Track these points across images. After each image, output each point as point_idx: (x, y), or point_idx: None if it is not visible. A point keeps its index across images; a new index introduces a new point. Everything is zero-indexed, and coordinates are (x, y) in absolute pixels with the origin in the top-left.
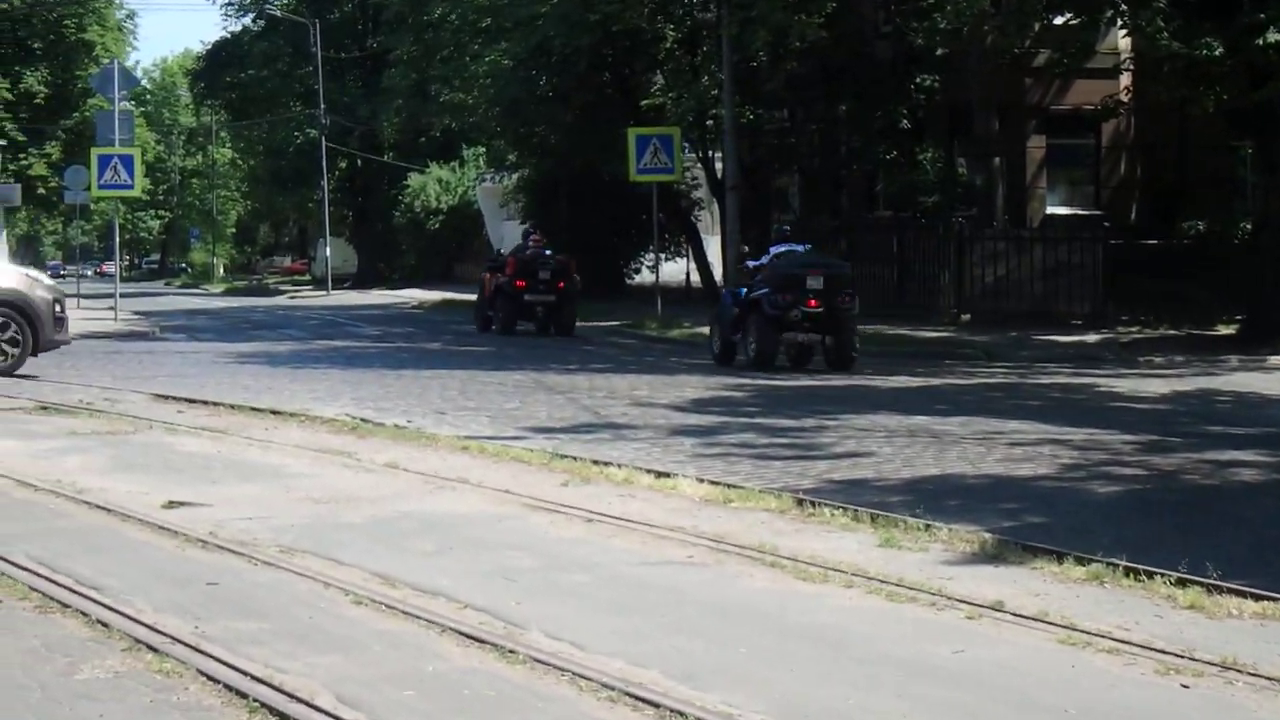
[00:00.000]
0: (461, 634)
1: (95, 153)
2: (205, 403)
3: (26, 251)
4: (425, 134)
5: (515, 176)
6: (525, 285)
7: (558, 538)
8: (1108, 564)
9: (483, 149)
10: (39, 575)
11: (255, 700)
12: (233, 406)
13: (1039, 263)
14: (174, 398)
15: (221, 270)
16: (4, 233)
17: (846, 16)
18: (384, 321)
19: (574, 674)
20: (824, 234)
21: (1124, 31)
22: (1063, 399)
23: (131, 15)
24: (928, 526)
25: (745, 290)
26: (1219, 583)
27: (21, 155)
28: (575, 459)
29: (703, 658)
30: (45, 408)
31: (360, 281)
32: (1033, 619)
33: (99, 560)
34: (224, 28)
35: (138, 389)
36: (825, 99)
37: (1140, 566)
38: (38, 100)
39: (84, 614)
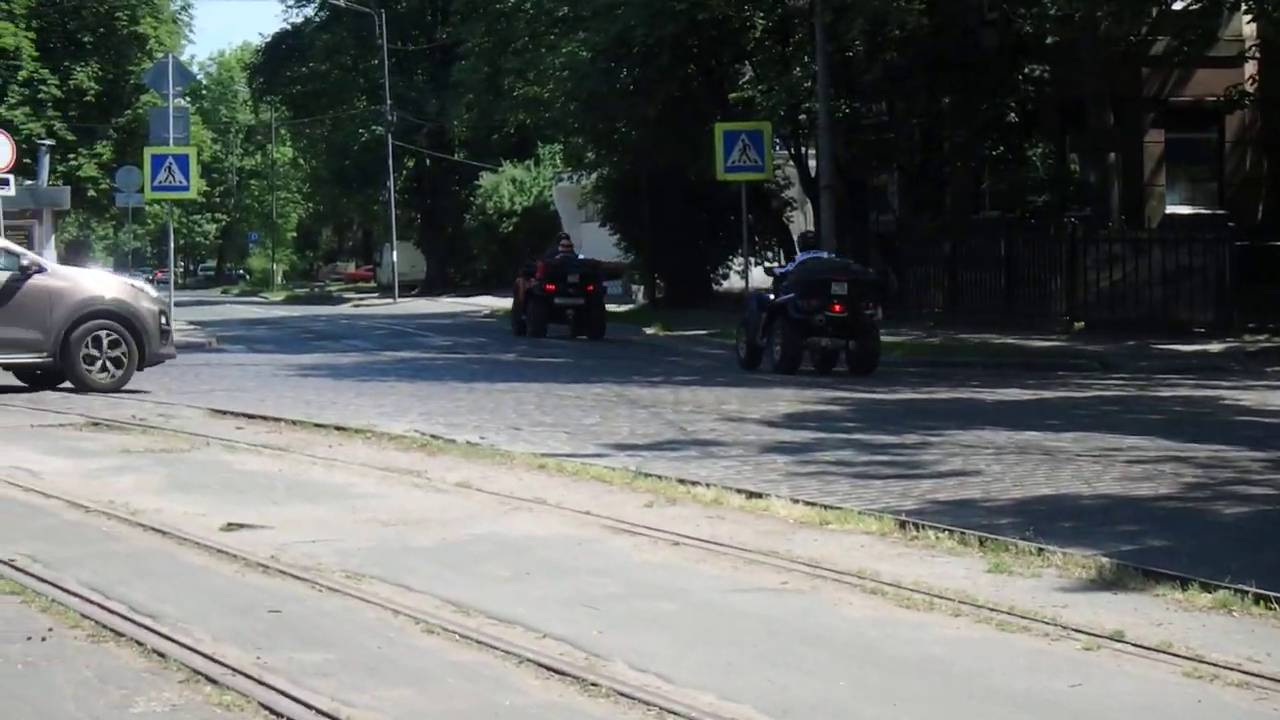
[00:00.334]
0: (540, 665)
1: (148, 152)
2: (265, 418)
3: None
4: (498, 131)
5: (594, 176)
6: (555, 289)
7: (642, 562)
8: (1236, 591)
9: (559, 147)
10: (91, 602)
11: None
12: (294, 422)
13: (1158, 266)
14: (232, 413)
15: (281, 277)
16: (53, 238)
17: (949, 2)
18: (454, 331)
19: (661, 709)
20: (925, 236)
21: (1248, 16)
22: (1185, 413)
23: (187, 6)
24: (1040, 550)
25: (772, 296)
26: None
27: (71, 156)
28: (660, 478)
29: (799, 691)
30: (96, 424)
31: (429, 288)
32: (1155, 650)
33: (154, 586)
34: (284, 19)
35: (193, 404)
36: (927, 91)
37: (1271, 594)
38: (88, 97)
39: (139, 643)
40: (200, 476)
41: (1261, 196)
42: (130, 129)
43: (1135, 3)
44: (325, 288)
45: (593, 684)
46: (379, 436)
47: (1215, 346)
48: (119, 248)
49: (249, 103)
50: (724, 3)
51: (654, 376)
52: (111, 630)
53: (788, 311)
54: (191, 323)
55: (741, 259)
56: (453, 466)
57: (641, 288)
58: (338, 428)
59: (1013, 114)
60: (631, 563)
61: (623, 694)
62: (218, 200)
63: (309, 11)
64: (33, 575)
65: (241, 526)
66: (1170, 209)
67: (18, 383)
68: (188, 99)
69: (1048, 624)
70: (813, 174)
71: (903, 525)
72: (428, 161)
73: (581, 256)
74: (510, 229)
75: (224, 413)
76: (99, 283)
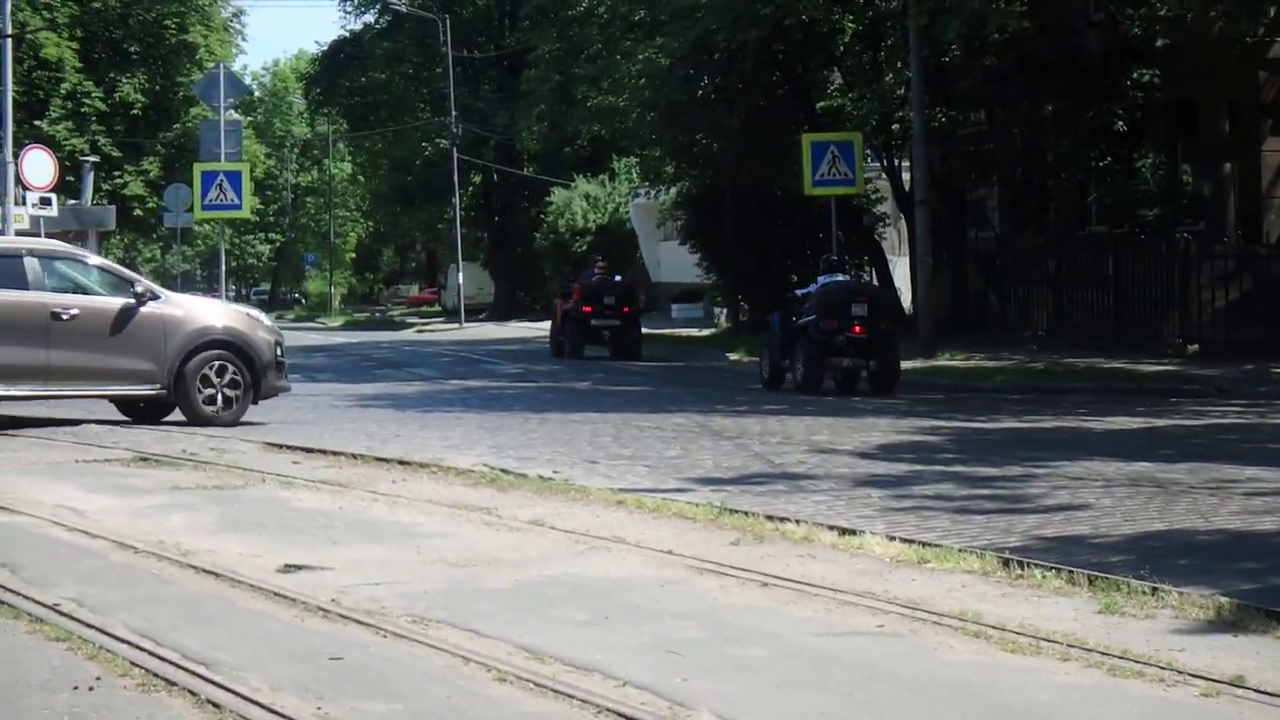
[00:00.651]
0: (621, 715)
1: (198, 169)
2: (324, 452)
3: None
4: (570, 143)
5: (672, 191)
6: (591, 310)
7: (728, 605)
8: None
9: (635, 160)
10: (141, 649)
11: None
12: (355, 456)
13: (1278, 284)
14: (289, 446)
15: (340, 301)
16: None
17: (1052, 3)
18: (525, 358)
19: None
20: (1027, 253)
21: None
22: None
23: (239, 13)
24: (1154, 590)
25: (795, 317)
26: None
27: (116, 173)
28: (747, 514)
29: None
30: (144, 459)
31: (497, 312)
32: (1279, 696)
33: (208, 632)
34: (342, 26)
35: (247, 437)
36: (1028, 98)
37: None
38: (134, 110)
39: (192, 693)
40: (255, 515)
41: None
42: (179, 144)
43: (1251, 2)
44: (387, 312)
45: None
46: (445, 471)
47: None
48: (167, 270)
49: (305, 115)
50: (812, 5)
51: (739, 405)
52: (163, 679)
53: (809, 333)
54: None
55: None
56: (525, 503)
57: (724, 310)
58: (401, 462)
59: (1120, 122)
60: (717, 605)
61: None
62: (272, 219)
63: (369, 18)
64: (79, 620)
65: (300, 568)
66: None
67: (118, 416)
68: (240, 111)
69: (1163, 668)
70: (907, 188)
71: (1006, 563)
72: (495, 176)
73: (618, 278)
74: (584, 248)
75: (280, 446)
76: (213, 311)
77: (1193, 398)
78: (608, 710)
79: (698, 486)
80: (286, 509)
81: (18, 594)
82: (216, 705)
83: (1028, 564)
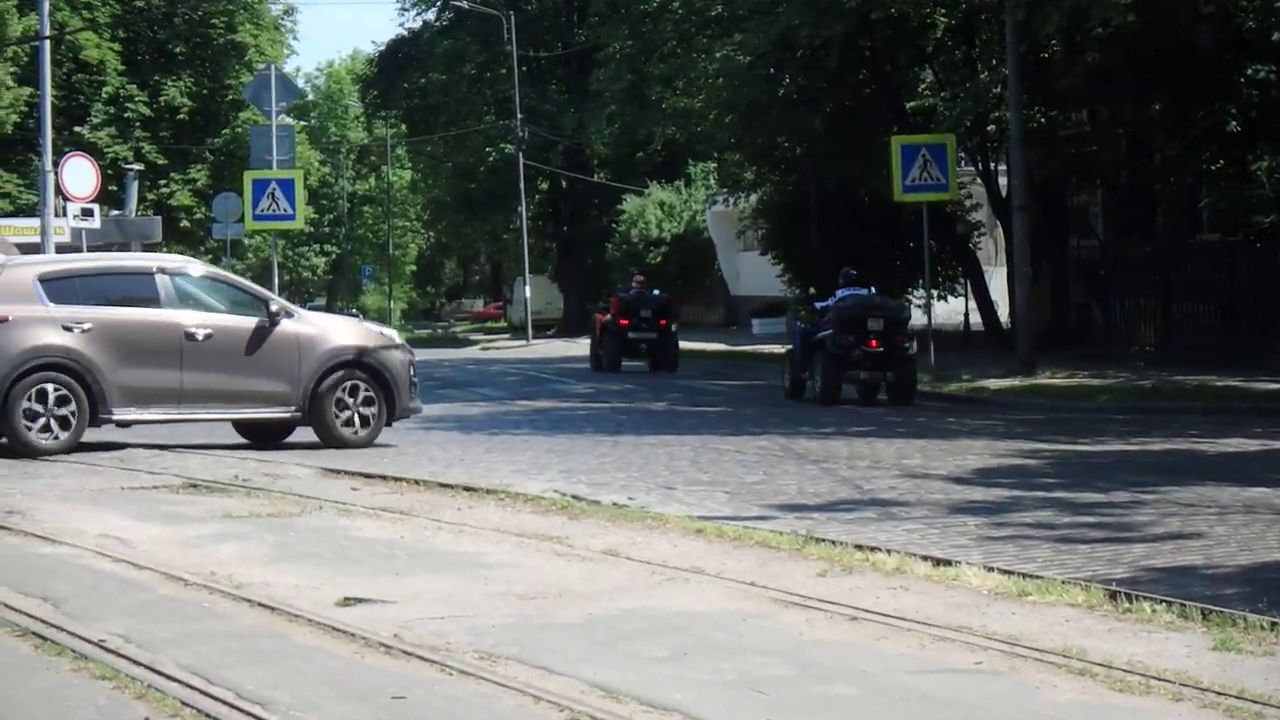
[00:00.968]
0: None
1: (249, 177)
2: (384, 478)
3: None
4: (643, 147)
5: (753, 198)
6: (629, 324)
7: (815, 640)
8: None
9: (713, 165)
10: (192, 688)
11: None
12: (417, 482)
13: None
14: (346, 472)
15: (400, 316)
16: None
17: None
18: (596, 377)
19: None
20: (1133, 263)
21: None
22: None
23: (290, 11)
24: (1274, 625)
25: (815, 329)
26: None
27: (162, 181)
28: (834, 543)
29: None
30: (194, 485)
31: (566, 328)
32: None
33: (263, 669)
34: (400, 24)
35: (302, 462)
36: (1134, 97)
37: None
38: (180, 115)
39: None
40: (312, 545)
41: None
42: (228, 151)
43: None
44: (449, 328)
45: None
46: (513, 498)
47: None
48: None
49: (361, 119)
50: None
51: (824, 427)
52: (216, 719)
53: (826, 346)
54: None
55: (923, 291)
56: (598, 531)
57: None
58: (466, 488)
59: (1234, 122)
60: (803, 641)
61: None
62: (327, 230)
63: (428, 16)
64: (126, 657)
65: (360, 601)
66: None
67: (237, 439)
68: (292, 116)
69: None
70: (1003, 193)
71: (1113, 596)
72: (564, 183)
73: (656, 292)
74: (658, 259)
75: (337, 472)
76: (348, 330)
77: None
78: None
79: (781, 514)
80: (345, 538)
81: (61, 629)
82: None
83: (1136, 597)
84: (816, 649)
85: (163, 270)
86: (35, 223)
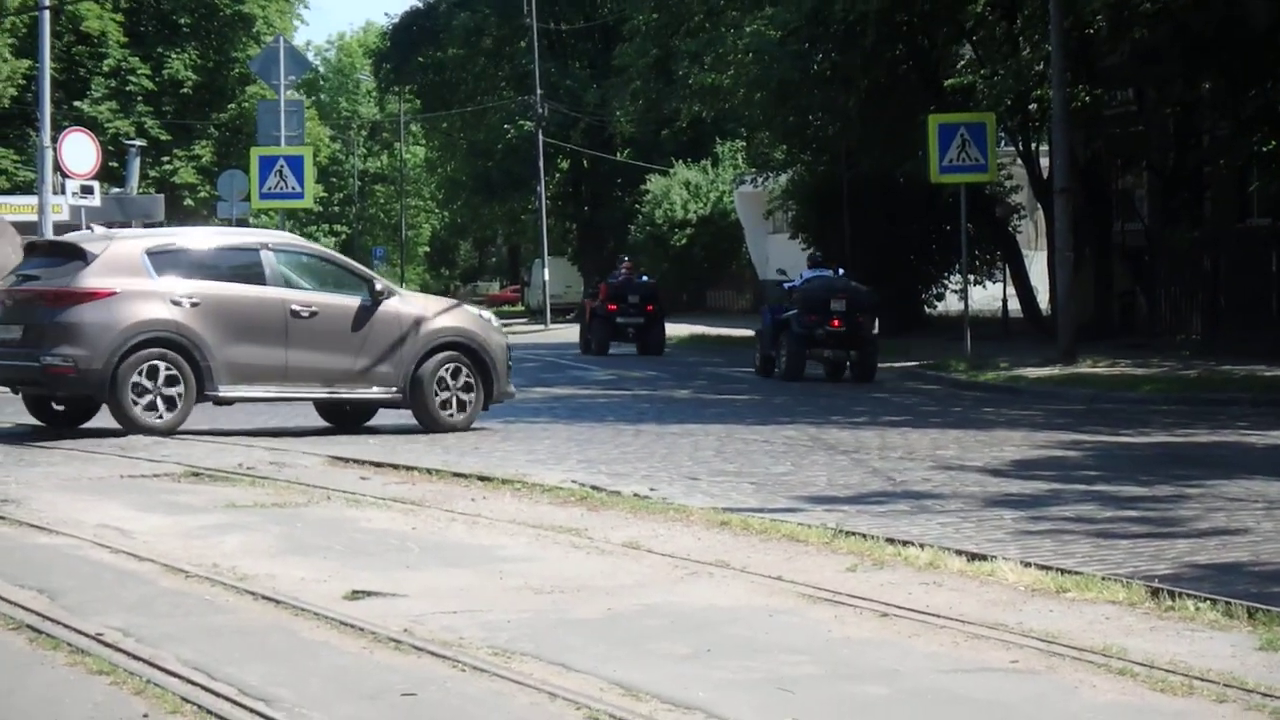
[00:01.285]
0: None
1: (255, 154)
2: (395, 466)
3: None
4: (668, 125)
5: (783, 179)
6: (617, 309)
7: (844, 637)
8: None
9: (741, 144)
10: (194, 684)
11: None
12: (430, 471)
13: None
14: (356, 460)
15: None
16: None
17: None
18: (617, 363)
19: None
20: (1180, 249)
21: None
22: None
23: None
24: None
25: (783, 310)
26: None
27: (165, 158)
28: (864, 537)
29: None
30: (197, 474)
31: None
32: None
33: (267, 665)
34: None
35: (309, 449)
36: (1182, 76)
37: None
38: (184, 90)
39: None
40: (319, 536)
41: None
42: (234, 126)
43: None
44: None
45: None
46: (530, 488)
47: None
48: None
49: (373, 95)
50: None
51: (856, 416)
52: (218, 716)
53: (791, 326)
54: None
55: (960, 276)
56: (618, 524)
57: None
58: (481, 478)
59: None
60: (832, 638)
61: None
62: (337, 209)
63: None
64: (125, 652)
65: (369, 595)
66: None
67: (314, 423)
68: (302, 91)
69: None
70: (1045, 175)
71: (1155, 593)
72: (585, 162)
73: (645, 279)
74: (684, 241)
75: (346, 460)
76: (447, 311)
77: None
78: None
79: (810, 506)
80: (354, 529)
81: (57, 623)
82: None
83: (1179, 594)
84: (845, 647)
85: (268, 246)
86: (33, 200)
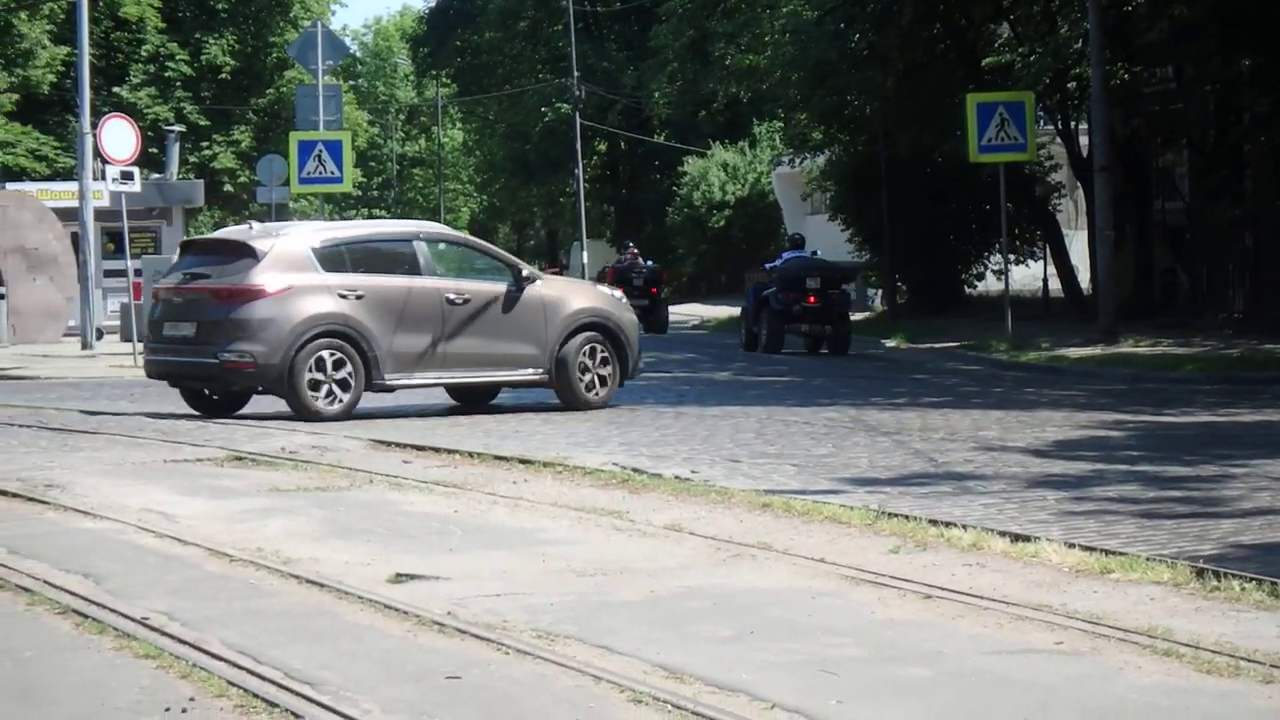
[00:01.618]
0: None
1: (294, 138)
2: (437, 450)
3: None
4: (705, 107)
5: (821, 159)
6: (623, 291)
7: (887, 620)
8: None
9: (779, 125)
10: (239, 667)
11: None
12: (471, 455)
13: None
14: (398, 444)
15: None
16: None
17: None
18: (657, 345)
19: None
20: (1222, 227)
21: None
22: None
23: None
24: None
25: (764, 288)
26: None
27: (204, 144)
28: (907, 518)
29: None
30: (240, 458)
31: None
32: None
33: (312, 648)
34: None
35: (351, 433)
36: (1222, 53)
37: None
38: (223, 75)
39: (295, 715)
40: (362, 519)
41: None
42: (272, 111)
43: None
44: None
45: None
46: (571, 471)
47: None
48: None
49: (411, 78)
50: None
51: (897, 397)
52: (263, 700)
53: (770, 302)
54: None
55: (1000, 256)
56: (660, 506)
57: (879, 292)
58: (522, 461)
59: None
60: (875, 620)
61: None
62: (375, 193)
63: None
64: (170, 636)
65: (412, 578)
66: None
67: (449, 400)
68: (339, 75)
69: None
70: (1085, 153)
71: (1200, 574)
72: (623, 144)
73: (649, 263)
74: (721, 223)
75: (388, 444)
76: (585, 293)
77: None
78: None
79: (852, 488)
80: (397, 513)
81: (103, 607)
82: None
83: (1224, 574)
84: (889, 629)
85: (420, 237)
86: (73, 186)
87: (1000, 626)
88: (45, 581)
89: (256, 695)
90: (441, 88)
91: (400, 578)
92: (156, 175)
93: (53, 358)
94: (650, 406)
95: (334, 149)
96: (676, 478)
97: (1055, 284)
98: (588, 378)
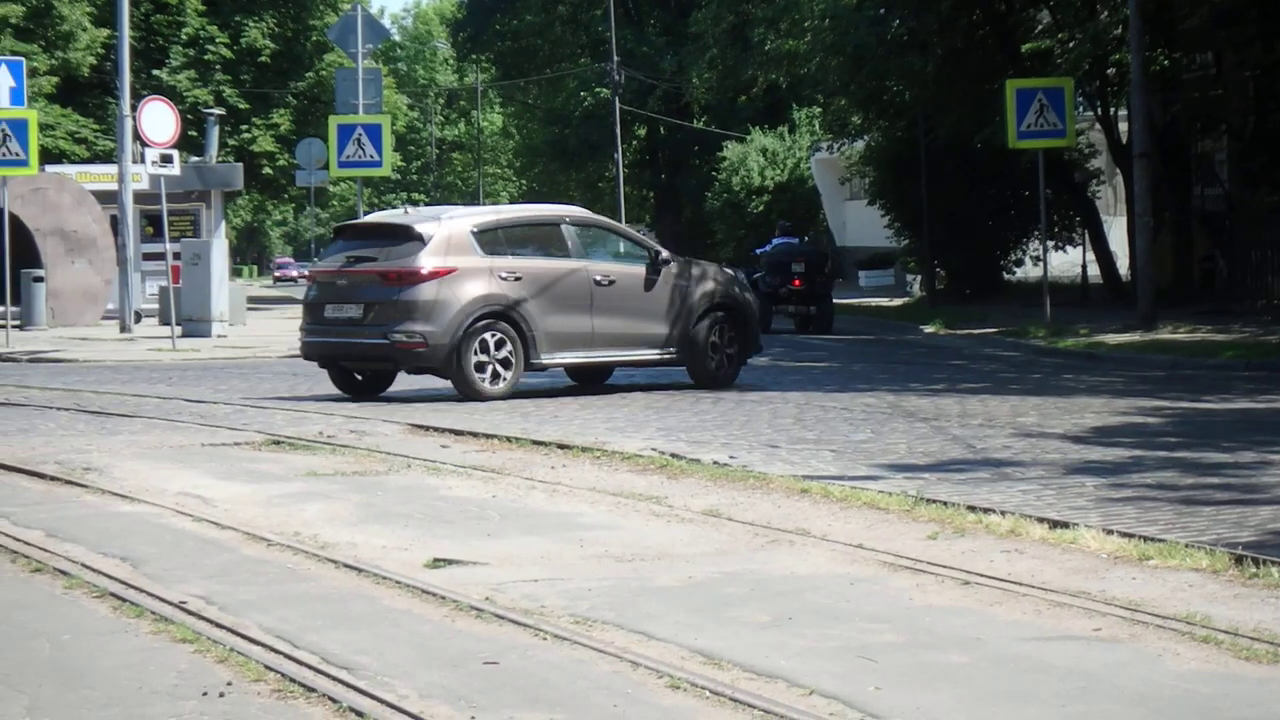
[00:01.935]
0: None
1: (333, 122)
2: (475, 435)
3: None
4: (744, 92)
5: (860, 145)
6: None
7: (926, 606)
8: None
9: (818, 110)
10: (277, 652)
11: None
12: (510, 439)
13: None
14: (436, 429)
15: None
16: (223, 224)
17: None
18: None
19: None
20: (1261, 212)
21: None
22: None
23: None
24: None
25: (753, 272)
26: None
27: (243, 127)
28: (945, 504)
29: None
30: (277, 442)
31: None
32: None
33: (350, 633)
34: None
35: (389, 418)
36: (1262, 38)
37: None
38: (262, 58)
39: (332, 699)
40: (400, 504)
41: None
42: (312, 95)
43: None
44: None
45: None
46: (609, 456)
47: None
48: (299, 234)
49: (450, 62)
50: None
51: (935, 383)
52: (300, 684)
53: (758, 285)
54: None
55: (1038, 242)
56: (698, 491)
57: (918, 278)
58: (560, 446)
59: None
60: (913, 606)
61: None
62: (414, 177)
63: None
64: (207, 620)
65: (450, 563)
66: None
67: (567, 381)
68: (378, 59)
69: None
70: (1123, 139)
71: (1239, 561)
72: (662, 130)
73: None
74: (760, 208)
75: (426, 428)
76: (712, 275)
77: None
78: None
79: (890, 474)
80: (434, 498)
81: (140, 590)
82: (359, 714)
83: (1264, 561)
84: (927, 615)
85: (567, 220)
86: (112, 169)
87: (1039, 613)
88: (83, 564)
89: (294, 680)
90: (481, 72)
91: (438, 562)
92: (196, 158)
93: (91, 341)
94: (688, 392)
95: (373, 133)
96: (714, 463)
97: (1094, 270)
98: (717, 357)
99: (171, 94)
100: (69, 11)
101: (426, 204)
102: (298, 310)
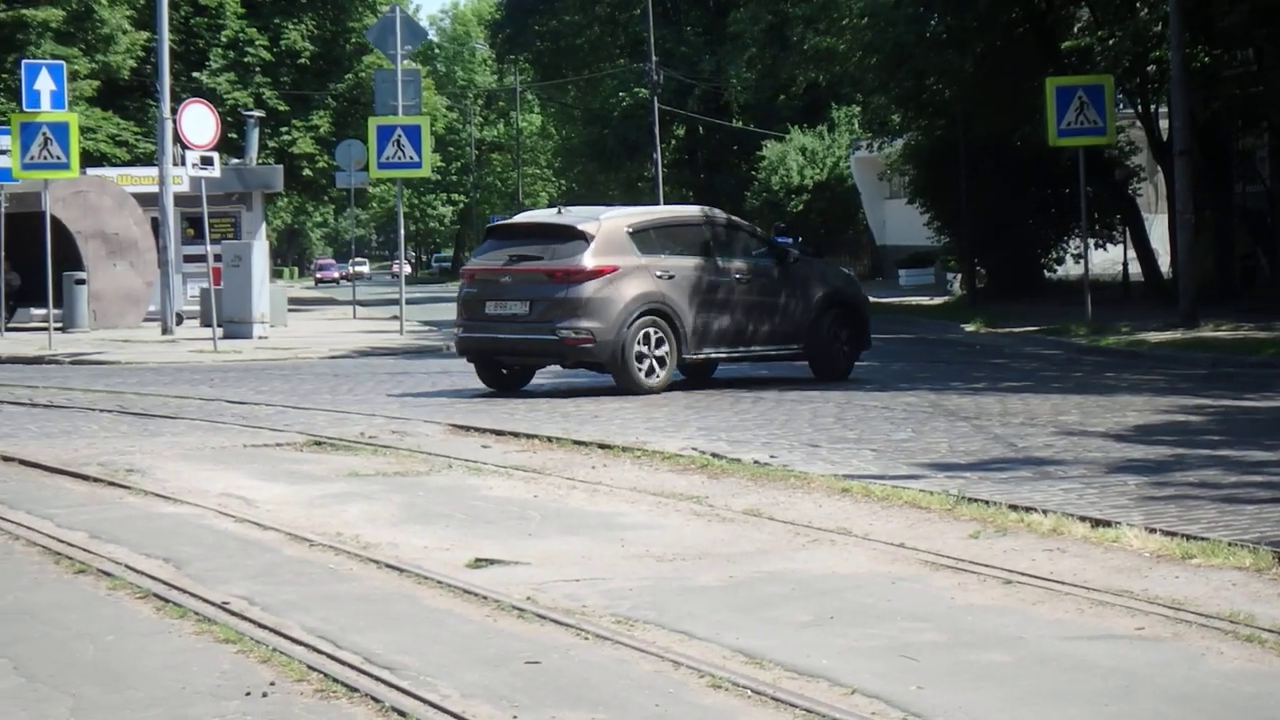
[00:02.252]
0: None
1: (373, 123)
2: (516, 434)
3: (289, 248)
4: (784, 91)
5: (900, 144)
6: None
7: (967, 605)
8: None
9: (857, 109)
10: (319, 652)
11: None
12: (550, 439)
13: None
14: (477, 429)
15: None
16: (263, 226)
17: None
18: None
19: None
20: None
21: None
22: None
23: None
24: None
25: None
26: None
27: (283, 129)
28: (987, 503)
29: None
30: (319, 443)
31: None
32: None
33: (391, 633)
34: None
35: (430, 418)
36: None
37: None
38: (302, 60)
39: (375, 699)
40: (441, 504)
41: None
42: (351, 96)
43: None
44: None
45: None
46: (650, 455)
47: None
48: (339, 236)
49: (489, 63)
50: None
51: (976, 382)
52: (343, 684)
53: None
54: (425, 323)
55: (1079, 240)
56: (738, 491)
57: (958, 277)
58: (601, 445)
59: None
60: (955, 605)
61: None
62: (454, 179)
63: None
64: (250, 620)
65: (492, 563)
66: None
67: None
68: (417, 60)
69: None
70: (1164, 137)
71: None
72: (701, 129)
73: None
74: (800, 207)
75: (467, 428)
76: (830, 272)
77: None
78: None
79: (931, 473)
80: (476, 498)
81: (184, 591)
82: (402, 714)
83: None
84: (969, 614)
85: (709, 220)
86: (153, 171)
87: (1081, 612)
88: (126, 566)
89: (336, 680)
90: (520, 73)
91: (479, 562)
92: (236, 160)
93: (133, 343)
94: (729, 391)
95: (413, 134)
96: (755, 463)
97: (1135, 268)
98: (835, 351)
99: (211, 96)
100: (109, 15)
101: (464, 204)
102: (339, 311)
